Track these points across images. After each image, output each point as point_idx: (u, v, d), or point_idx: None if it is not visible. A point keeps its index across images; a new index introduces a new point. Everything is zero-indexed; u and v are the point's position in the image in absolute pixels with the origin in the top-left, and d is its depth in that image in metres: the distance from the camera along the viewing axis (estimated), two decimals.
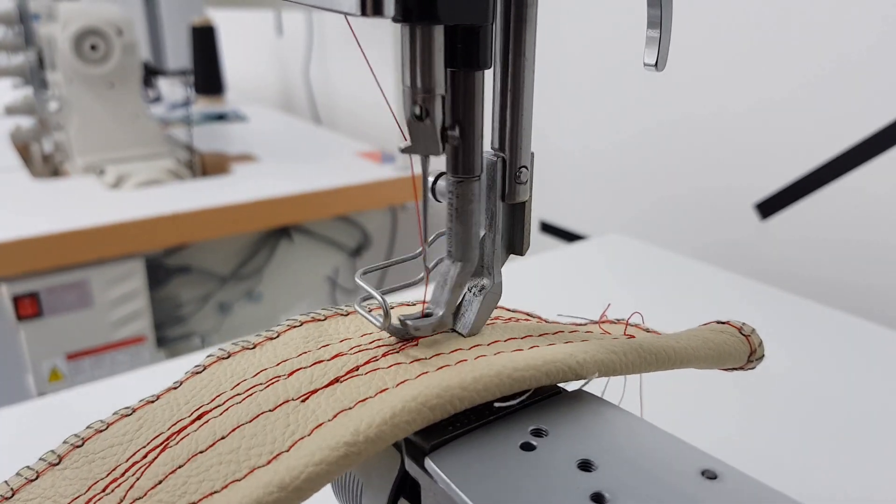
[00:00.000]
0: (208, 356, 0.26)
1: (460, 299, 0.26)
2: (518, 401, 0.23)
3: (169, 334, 1.09)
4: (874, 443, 0.46)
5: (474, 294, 0.26)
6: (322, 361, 0.24)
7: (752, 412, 0.49)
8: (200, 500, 0.20)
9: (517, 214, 0.26)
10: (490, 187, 0.25)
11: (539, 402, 0.23)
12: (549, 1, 0.95)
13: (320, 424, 0.21)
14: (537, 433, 0.22)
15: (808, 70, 0.70)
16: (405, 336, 0.25)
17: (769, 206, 0.77)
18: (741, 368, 0.28)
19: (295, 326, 0.27)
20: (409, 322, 0.24)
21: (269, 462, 0.20)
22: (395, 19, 0.18)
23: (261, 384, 0.24)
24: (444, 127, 0.22)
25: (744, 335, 0.27)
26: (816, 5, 0.68)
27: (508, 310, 0.31)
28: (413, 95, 0.21)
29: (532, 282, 0.72)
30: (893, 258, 0.67)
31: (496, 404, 0.23)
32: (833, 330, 0.61)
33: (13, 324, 0.91)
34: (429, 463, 0.21)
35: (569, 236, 1.04)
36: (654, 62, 0.26)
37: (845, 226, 0.71)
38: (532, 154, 0.25)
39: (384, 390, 0.22)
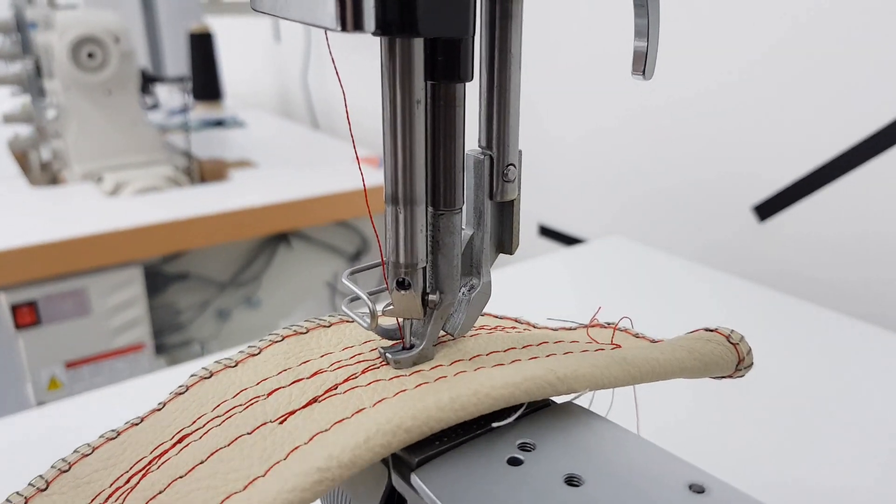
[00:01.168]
0: (192, 375, 0.26)
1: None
2: (513, 417, 0.22)
3: (168, 341, 1.09)
4: (874, 449, 0.45)
5: (463, 294, 0.26)
6: (301, 380, 0.24)
7: (747, 416, 0.49)
8: None
9: (506, 213, 0.26)
10: (478, 186, 0.25)
11: (527, 415, 0.23)
12: (543, 4, 0.95)
13: (296, 447, 0.21)
14: (524, 447, 0.22)
15: (806, 72, 0.70)
16: (392, 337, 0.25)
17: (767, 208, 0.77)
18: (730, 377, 0.27)
19: (276, 342, 0.27)
20: (389, 355, 0.24)
21: (245, 487, 0.20)
22: (374, 33, 0.18)
23: (240, 405, 0.24)
24: (426, 293, 0.24)
25: (732, 343, 0.27)
26: (814, 7, 0.68)
27: (495, 316, 0.31)
28: (396, 269, 0.23)
29: (531, 285, 0.72)
30: (892, 260, 0.67)
31: (493, 424, 0.22)
32: (832, 332, 0.61)
33: (11, 332, 0.91)
34: (415, 479, 0.21)
35: (567, 239, 1.04)
36: (641, 71, 0.26)
37: (844, 227, 0.70)
38: (520, 152, 0.25)
39: (360, 411, 0.21)
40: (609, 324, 0.31)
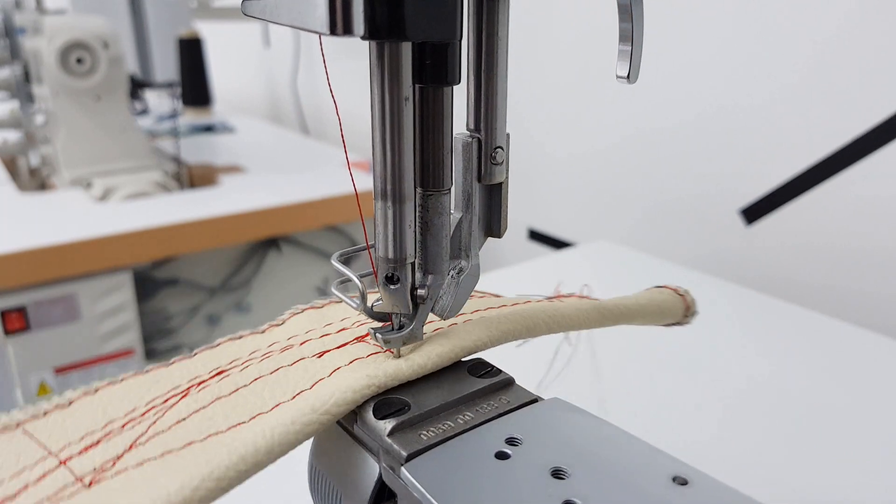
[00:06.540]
0: (219, 339, 0.28)
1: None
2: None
3: (158, 347, 1.08)
4: (858, 449, 0.46)
5: (452, 277, 0.26)
6: (328, 335, 0.27)
7: (735, 417, 0.49)
8: (227, 429, 0.21)
9: (494, 196, 0.26)
10: (466, 168, 0.25)
11: (514, 410, 0.24)
12: (531, 5, 0.96)
13: (338, 368, 0.24)
14: (511, 442, 0.22)
15: (792, 73, 0.71)
16: (383, 319, 0.26)
17: (754, 212, 0.78)
18: (678, 324, 0.33)
19: (297, 314, 0.29)
20: (379, 335, 0.24)
21: (293, 398, 0.22)
22: (363, 37, 0.19)
23: (277, 351, 0.26)
24: (414, 288, 0.24)
25: (679, 294, 0.33)
26: (799, 8, 0.69)
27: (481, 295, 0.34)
28: (385, 265, 0.23)
29: (520, 289, 0.72)
30: (880, 261, 0.68)
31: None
32: (819, 335, 0.61)
33: (0, 338, 0.90)
34: (404, 473, 0.21)
35: (556, 243, 1.05)
36: (626, 74, 0.27)
37: (831, 230, 0.71)
38: (508, 135, 0.26)
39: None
40: (570, 294, 0.36)
